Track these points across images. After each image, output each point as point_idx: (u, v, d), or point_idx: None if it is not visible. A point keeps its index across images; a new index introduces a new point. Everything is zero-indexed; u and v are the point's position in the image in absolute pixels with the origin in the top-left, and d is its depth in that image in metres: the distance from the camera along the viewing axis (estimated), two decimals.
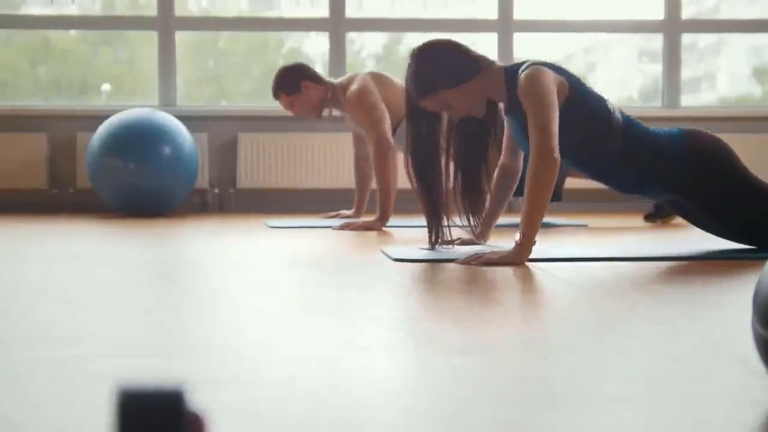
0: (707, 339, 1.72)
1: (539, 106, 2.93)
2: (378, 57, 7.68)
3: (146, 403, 0.72)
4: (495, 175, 3.33)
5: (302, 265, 3.02)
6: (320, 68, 6.11)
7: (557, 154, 2.88)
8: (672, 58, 6.59)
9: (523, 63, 3.09)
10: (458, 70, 3.09)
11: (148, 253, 3.43)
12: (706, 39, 7.85)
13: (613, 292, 2.39)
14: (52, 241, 3.94)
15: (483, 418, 1.16)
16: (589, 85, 3.12)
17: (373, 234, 4.27)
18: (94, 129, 5.75)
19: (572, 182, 5.13)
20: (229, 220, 5.32)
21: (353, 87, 4.76)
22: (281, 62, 5.46)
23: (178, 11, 6.47)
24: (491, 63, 3.14)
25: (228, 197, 6.29)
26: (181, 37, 6.53)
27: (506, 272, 2.69)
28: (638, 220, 5.04)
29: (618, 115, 3.10)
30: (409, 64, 3.15)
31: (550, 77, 2.98)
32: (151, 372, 1.43)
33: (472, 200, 3.26)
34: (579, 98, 3.04)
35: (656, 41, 6.73)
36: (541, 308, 2.14)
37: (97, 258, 3.20)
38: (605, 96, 3.14)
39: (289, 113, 5.09)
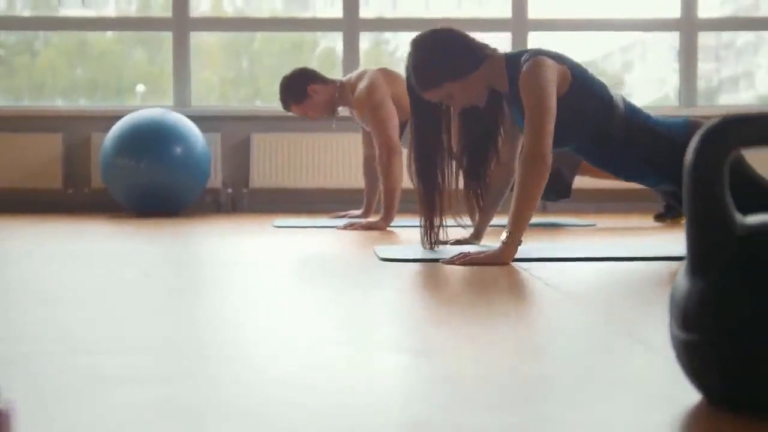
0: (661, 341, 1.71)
1: (537, 104, 2.92)
2: None
3: None
4: (489, 175, 3.33)
5: (292, 265, 3.02)
6: (357, 68, 6.09)
7: (549, 158, 2.87)
8: (688, 57, 6.52)
9: (525, 52, 3.08)
10: (461, 63, 3.08)
11: (150, 253, 3.45)
12: (744, 37, 7.75)
13: (587, 294, 2.37)
14: (62, 240, 3.97)
15: (453, 422, 1.17)
16: (591, 72, 3.11)
17: (376, 234, 4.27)
18: (107, 129, 5.80)
19: (584, 182, 5.11)
20: (239, 220, 5.34)
21: (362, 84, 4.74)
22: (315, 63, 5.46)
23: (208, 11, 6.49)
24: (493, 51, 3.13)
25: (241, 197, 6.32)
26: (216, 38, 6.54)
27: (489, 272, 2.68)
28: (649, 221, 5.01)
29: (620, 102, 3.10)
30: (410, 54, 3.13)
31: (552, 68, 2.98)
32: (143, 371, 1.43)
33: (473, 188, 3.26)
34: (581, 85, 3.05)
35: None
36: (513, 309, 2.13)
37: (101, 257, 3.23)
38: (607, 83, 3.14)
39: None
